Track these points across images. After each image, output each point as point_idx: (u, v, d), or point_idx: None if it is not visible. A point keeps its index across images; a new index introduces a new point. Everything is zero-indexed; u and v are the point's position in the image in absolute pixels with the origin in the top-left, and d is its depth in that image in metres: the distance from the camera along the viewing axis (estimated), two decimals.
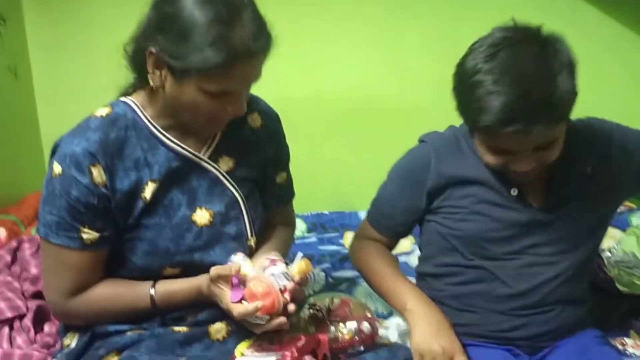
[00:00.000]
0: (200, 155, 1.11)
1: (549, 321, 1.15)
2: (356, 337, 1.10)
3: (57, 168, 1.03)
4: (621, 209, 2.07)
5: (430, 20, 2.27)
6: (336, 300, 1.19)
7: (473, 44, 1.04)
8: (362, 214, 2.21)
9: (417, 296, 1.14)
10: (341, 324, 1.11)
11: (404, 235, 1.28)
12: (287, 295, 1.00)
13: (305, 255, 1.07)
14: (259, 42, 0.98)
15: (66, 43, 2.18)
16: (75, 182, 1.02)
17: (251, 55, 0.98)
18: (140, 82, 1.10)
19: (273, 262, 1.04)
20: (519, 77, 0.96)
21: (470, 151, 1.15)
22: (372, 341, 1.12)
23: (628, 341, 1.30)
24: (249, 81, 1.03)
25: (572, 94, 0.99)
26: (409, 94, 2.30)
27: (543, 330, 1.15)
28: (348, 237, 2.03)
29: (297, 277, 1.02)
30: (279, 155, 1.26)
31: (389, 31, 2.29)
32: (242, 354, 1.05)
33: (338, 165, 2.31)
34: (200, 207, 1.10)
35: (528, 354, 1.15)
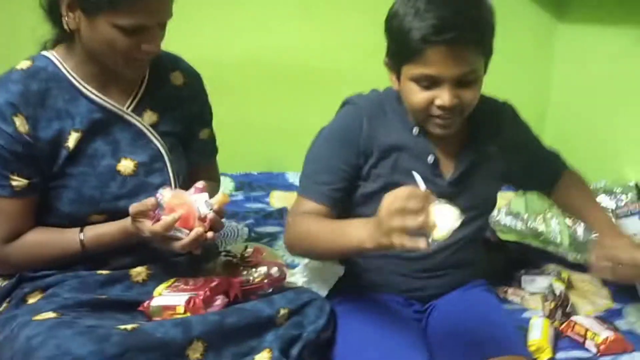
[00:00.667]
0: (123, 108, 1.17)
1: (444, 284, 1.26)
2: (266, 280, 1.19)
3: None
4: None
5: None
6: (249, 249, 1.30)
7: None
8: (290, 175, 2.32)
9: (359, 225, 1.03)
10: (253, 269, 1.21)
11: (344, 202, 1.21)
12: (206, 224, 1.07)
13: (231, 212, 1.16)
14: None
15: None
16: (0, 132, 1.07)
17: None
18: (59, 36, 1.14)
19: (197, 189, 1.10)
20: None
21: (393, 115, 1.20)
22: (280, 284, 1.22)
23: (509, 290, 1.47)
24: (158, 16, 1.08)
25: (493, 32, 1.12)
26: (336, 58, 2.34)
27: (438, 291, 1.26)
28: (274, 196, 2.13)
29: (215, 206, 1.08)
30: (202, 112, 1.33)
31: (334, 3, 2.32)
32: (160, 294, 1.15)
33: (267, 127, 2.36)
34: (125, 158, 1.17)
35: (421, 303, 1.26)
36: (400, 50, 1.10)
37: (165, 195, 1.09)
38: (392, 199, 0.90)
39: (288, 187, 2.23)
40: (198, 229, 1.05)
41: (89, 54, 1.12)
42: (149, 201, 1.06)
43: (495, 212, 1.68)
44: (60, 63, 1.14)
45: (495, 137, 1.25)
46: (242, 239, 1.75)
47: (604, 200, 1.68)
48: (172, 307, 1.10)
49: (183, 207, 1.06)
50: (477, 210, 1.26)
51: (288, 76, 2.36)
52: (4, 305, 1.12)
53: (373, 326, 1.17)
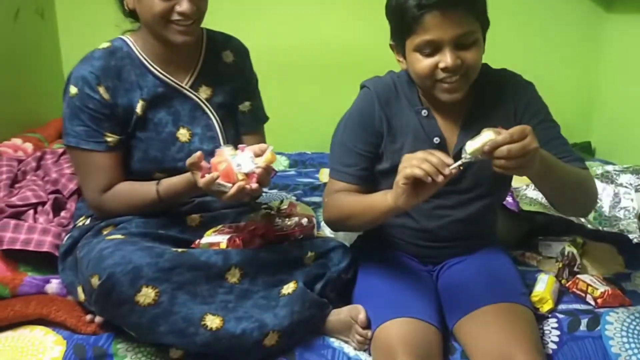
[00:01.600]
0: (183, 84, 1.40)
1: (456, 253, 1.35)
2: (296, 228, 1.38)
3: (73, 89, 1.32)
4: None
5: None
6: (285, 202, 1.50)
7: None
8: None
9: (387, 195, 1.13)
10: (286, 219, 1.40)
11: (371, 178, 1.29)
12: (251, 179, 1.18)
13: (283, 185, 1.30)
14: None
15: None
16: (90, 98, 1.31)
17: None
18: (134, 22, 1.40)
19: (241, 149, 1.23)
20: None
21: (404, 98, 1.27)
22: (310, 233, 1.41)
23: (527, 253, 1.58)
24: None
25: (484, 1, 1.17)
26: (378, 46, 2.46)
27: (451, 259, 1.35)
28: (323, 173, 2.29)
29: (262, 163, 1.19)
30: (244, 86, 1.50)
31: None
32: (209, 235, 1.37)
33: (321, 110, 2.47)
34: (183, 127, 1.39)
35: (432, 265, 1.36)
36: (401, 24, 1.17)
37: (221, 150, 1.24)
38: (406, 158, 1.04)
39: None
40: (239, 184, 1.17)
41: (147, 31, 1.35)
42: (198, 154, 1.21)
43: (523, 186, 1.78)
44: (133, 44, 1.38)
45: (500, 111, 1.26)
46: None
47: (630, 179, 1.73)
48: (217, 244, 1.32)
49: (223, 165, 1.19)
50: (483, 188, 1.29)
51: (338, 65, 2.53)
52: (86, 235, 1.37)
53: (388, 274, 1.31)
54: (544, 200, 1.74)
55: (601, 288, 1.31)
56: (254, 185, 1.18)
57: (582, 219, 1.67)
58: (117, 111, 1.34)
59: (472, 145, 1.01)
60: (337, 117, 2.51)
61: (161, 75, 1.38)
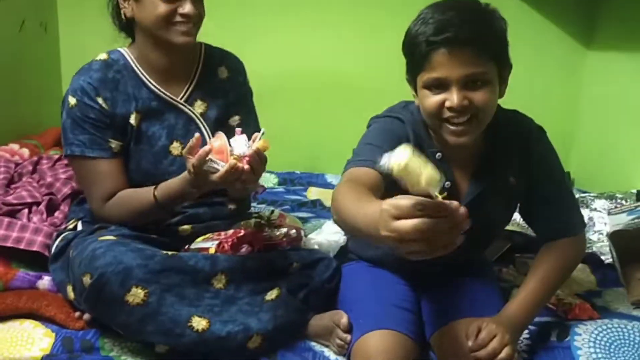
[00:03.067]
0: (177, 99, 1.43)
1: (441, 273, 1.33)
2: (284, 239, 1.43)
3: (72, 100, 1.34)
4: None
5: (400, 4, 2.48)
6: (275, 213, 1.55)
7: None
8: (328, 176, 2.56)
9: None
10: (275, 229, 1.46)
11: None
12: (244, 161, 1.18)
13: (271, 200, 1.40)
14: None
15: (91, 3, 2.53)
16: (90, 107, 1.35)
17: None
18: (127, 37, 1.44)
19: (237, 132, 1.23)
20: (454, 4, 1.10)
21: (419, 140, 1.20)
22: (297, 244, 1.47)
23: (504, 269, 1.62)
24: None
25: (501, 38, 1.13)
26: (375, 72, 2.53)
27: (434, 278, 1.34)
28: (311, 191, 2.36)
29: (254, 146, 1.20)
30: (235, 101, 1.52)
31: (361, 15, 2.56)
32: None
33: (311, 132, 2.62)
34: (177, 140, 1.42)
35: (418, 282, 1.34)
36: (412, 60, 1.15)
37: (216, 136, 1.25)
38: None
39: (326, 185, 2.46)
40: (231, 161, 1.17)
41: (145, 41, 1.38)
42: (197, 135, 1.21)
43: None
44: (130, 56, 1.41)
45: (513, 158, 1.25)
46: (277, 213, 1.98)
47: (604, 204, 1.81)
48: (206, 249, 1.37)
49: (217, 142, 1.21)
50: (488, 232, 1.31)
51: (328, 89, 2.61)
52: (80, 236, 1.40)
53: (370, 285, 1.34)
54: (521, 222, 1.81)
55: (571, 301, 1.37)
56: (246, 167, 1.18)
57: None
58: (116, 121, 1.37)
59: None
60: (326, 138, 2.65)
61: (156, 90, 1.41)
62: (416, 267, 1.20)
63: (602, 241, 1.74)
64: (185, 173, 1.26)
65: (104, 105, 1.36)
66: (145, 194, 1.35)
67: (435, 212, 0.74)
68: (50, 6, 2.54)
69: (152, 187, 1.34)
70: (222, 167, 1.18)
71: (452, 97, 1.10)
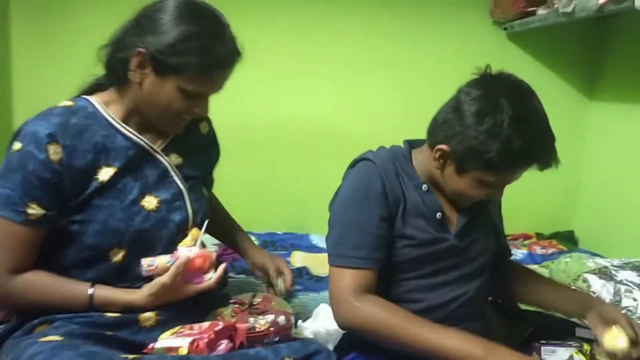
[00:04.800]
0: (155, 147, 1.24)
1: None
2: (272, 328, 1.19)
3: (17, 145, 1.13)
4: (552, 250, 2.22)
5: (387, 54, 2.42)
6: (258, 297, 1.30)
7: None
8: (313, 237, 2.33)
9: (481, 344, 1.09)
10: (260, 316, 1.21)
11: (385, 263, 1.20)
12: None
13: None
14: (236, 56, 1.19)
15: (48, 42, 2.30)
16: (32, 157, 1.11)
17: (227, 66, 1.18)
18: (107, 81, 1.23)
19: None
20: (539, 122, 1.16)
21: (403, 172, 1.23)
22: (286, 333, 1.22)
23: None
24: (218, 87, 1.20)
25: None
26: (362, 123, 2.42)
27: None
28: (295, 256, 2.13)
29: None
30: (218, 156, 1.45)
31: (347, 63, 2.44)
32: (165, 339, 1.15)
33: (293, 189, 2.41)
34: (150, 194, 1.21)
35: None
36: (495, 162, 1.13)
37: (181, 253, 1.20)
38: None
39: (311, 248, 2.24)
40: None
41: (138, 105, 1.20)
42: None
43: None
44: (100, 105, 1.21)
45: None
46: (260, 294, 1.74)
47: (630, 277, 1.62)
48: (176, 349, 1.10)
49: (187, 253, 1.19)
50: (480, 263, 1.29)
51: (311, 142, 2.44)
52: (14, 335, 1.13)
53: None
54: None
55: None
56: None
57: (585, 321, 1.52)
58: (67, 176, 1.14)
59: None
60: (308, 196, 2.43)
61: (132, 136, 1.21)
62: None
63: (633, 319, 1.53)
64: (137, 301, 1.16)
65: (53, 156, 1.12)
66: (76, 290, 1.16)
67: None
68: (3, 45, 2.30)
69: (87, 284, 1.16)
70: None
71: (497, 195, 1.25)
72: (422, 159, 1.26)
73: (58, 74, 2.20)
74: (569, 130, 2.47)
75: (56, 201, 1.15)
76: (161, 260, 1.18)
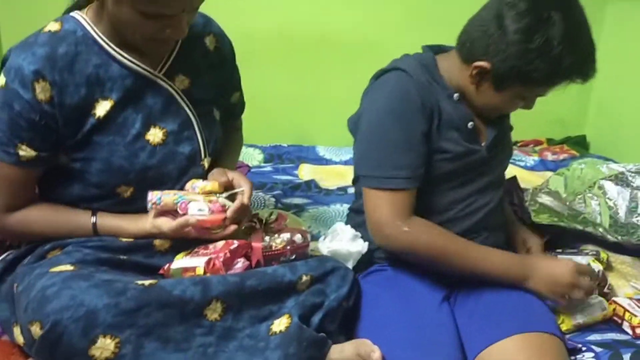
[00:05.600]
0: (155, 72, 1.12)
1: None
2: (288, 247, 1.16)
3: (1, 80, 1.05)
4: (564, 155, 2.18)
5: None
6: (273, 215, 1.26)
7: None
8: (320, 148, 2.29)
9: (520, 262, 1.17)
10: (275, 235, 1.18)
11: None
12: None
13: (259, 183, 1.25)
14: None
15: None
16: (17, 97, 1.03)
17: None
18: None
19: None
20: (589, 37, 1.10)
21: (434, 82, 1.17)
22: (303, 251, 1.19)
23: None
24: (180, 5, 1.01)
25: None
26: (365, 29, 2.30)
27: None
28: (303, 169, 2.10)
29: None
30: (232, 77, 1.30)
31: None
32: (181, 259, 1.13)
33: (298, 100, 2.33)
34: (154, 126, 1.12)
35: (448, 285, 1.21)
36: (544, 75, 1.08)
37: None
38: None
39: (318, 160, 2.21)
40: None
41: (114, 25, 1.07)
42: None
43: (529, 190, 1.62)
44: (91, 27, 1.09)
45: None
46: (268, 209, 1.73)
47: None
48: (192, 269, 1.08)
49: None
50: (500, 172, 1.31)
51: (317, 49, 2.33)
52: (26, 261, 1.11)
53: (399, 303, 1.14)
54: (557, 208, 1.57)
55: None
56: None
57: (600, 229, 1.51)
58: (58, 115, 1.05)
59: None
60: (315, 106, 2.35)
61: (129, 63, 1.09)
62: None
63: None
64: (145, 227, 1.11)
65: (40, 95, 1.03)
66: (80, 221, 1.12)
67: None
68: None
69: (89, 213, 1.12)
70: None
71: (530, 108, 1.20)
72: (449, 68, 1.18)
73: None
74: None
75: (48, 142, 1.07)
76: (168, 199, 1.11)
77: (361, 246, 1.22)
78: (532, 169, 2.16)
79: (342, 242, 1.22)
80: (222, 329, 1.00)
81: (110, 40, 1.09)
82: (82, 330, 0.88)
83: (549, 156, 2.24)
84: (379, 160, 1.14)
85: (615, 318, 1.20)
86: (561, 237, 1.49)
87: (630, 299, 1.23)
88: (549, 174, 1.93)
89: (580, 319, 1.17)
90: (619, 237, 1.49)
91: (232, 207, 1.11)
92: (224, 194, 1.13)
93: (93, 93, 1.07)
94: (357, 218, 1.28)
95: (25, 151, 1.06)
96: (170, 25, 1.03)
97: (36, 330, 0.89)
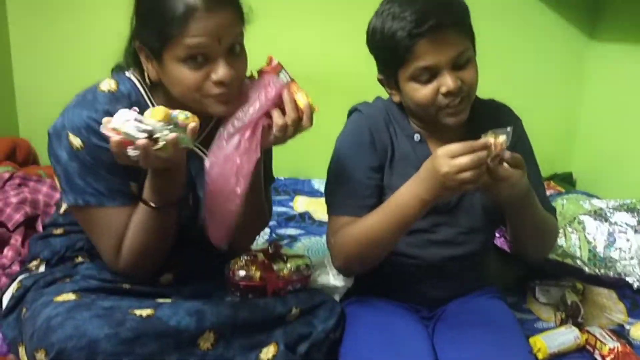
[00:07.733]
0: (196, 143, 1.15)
1: (452, 288, 1.27)
2: (294, 277, 1.21)
3: (77, 141, 1.06)
4: (550, 192, 2.27)
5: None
6: (271, 248, 1.28)
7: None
8: (315, 182, 2.36)
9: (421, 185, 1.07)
10: (281, 262, 1.22)
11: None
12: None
13: None
14: None
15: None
16: (103, 150, 1.04)
17: (207, 9, 1.01)
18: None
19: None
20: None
21: (396, 123, 1.22)
22: (306, 283, 1.24)
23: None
24: (217, 38, 1.02)
25: (468, 12, 1.15)
26: (360, 67, 2.30)
27: (446, 295, 1.27)
28: (298, 201, 2.18)
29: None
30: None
31: (349, 9, 2.30)
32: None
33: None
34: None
35: (428, 309, 1.27)
36: (391, 56, 1.13)
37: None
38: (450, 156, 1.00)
39: (313, 192, 2.28)
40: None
41: (172, 99, 1.09)
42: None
43: None
44: (145, 91, 1.12)
45: None
46: (263, 240, 1.79)
47: (625, 218, 1.66)
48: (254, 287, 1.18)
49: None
50: (479, 223, 1.23)
51: (314, 88, 2.35)
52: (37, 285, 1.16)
53: (379, 329, 1.18)
54: None
55: (610, 344, 1.21)
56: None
57: (578, 262, 1.58)
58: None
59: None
60: (311, 141, 2.38)
61: None
62: (428, 280, 1.25)
63: (626, 259, 1.59)
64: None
65: None
66: (139, 213, 1.10)
67: (480, 148, 1.00)
68: None
69: (139, 202, 1.10)
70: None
71: (447, 82, 1.10)
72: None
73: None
74: (569, 70, 2.45)
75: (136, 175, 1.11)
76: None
77: (347, 281, 1.28)
78: None
79: (329, 276, 1.29)
80: (214, 358, 1.06)
81: (159, 103, 1.11)
82: (85, 358, 0.95)
83: None
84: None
85: (588, 347, 1.25)
86: (541, 269, 1.56)
87: (603, 328, 1.28)
88: None
89: (555, 349, 1.23)
90: (598, 271, 1.56)
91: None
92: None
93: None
94: None
95: (135, 187, 1.11)
96: (212, 70, 1.04)
97: (41, 357, 0.96)
